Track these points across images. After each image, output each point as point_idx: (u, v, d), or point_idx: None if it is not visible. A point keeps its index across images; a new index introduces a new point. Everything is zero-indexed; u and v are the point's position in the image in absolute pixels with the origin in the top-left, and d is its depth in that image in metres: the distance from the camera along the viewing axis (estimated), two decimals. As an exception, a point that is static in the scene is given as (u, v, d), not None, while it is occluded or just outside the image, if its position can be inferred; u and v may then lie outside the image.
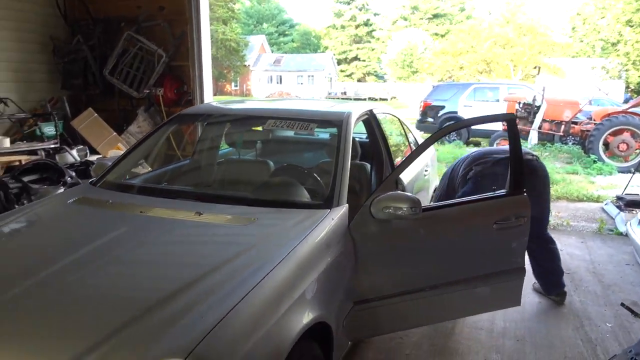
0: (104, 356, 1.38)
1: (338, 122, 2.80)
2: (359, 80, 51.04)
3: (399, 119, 3.99)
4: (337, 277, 2.13)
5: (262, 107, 3.36)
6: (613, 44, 23.30)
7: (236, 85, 43.98)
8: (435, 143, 12.04)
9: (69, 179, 4.34)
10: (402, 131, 4.00)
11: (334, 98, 39.61)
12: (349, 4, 53.71)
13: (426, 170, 3.97)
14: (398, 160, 3.48)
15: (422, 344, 2.96)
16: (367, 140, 3.44)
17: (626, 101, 10.68)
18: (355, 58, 53.26)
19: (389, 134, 4.31)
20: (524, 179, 2.67)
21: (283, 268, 1.81)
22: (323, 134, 3.72)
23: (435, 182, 4.35)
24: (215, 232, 2.10)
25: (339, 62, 52.67)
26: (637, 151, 9.30)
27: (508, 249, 2.62)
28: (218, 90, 41.85)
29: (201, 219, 2.17)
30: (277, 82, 45.98)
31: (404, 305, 2.46)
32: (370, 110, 3.26)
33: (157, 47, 6.07)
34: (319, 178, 2.77)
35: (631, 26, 21.54)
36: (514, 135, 2.72)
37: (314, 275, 1.93)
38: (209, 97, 6.46)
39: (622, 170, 8.67)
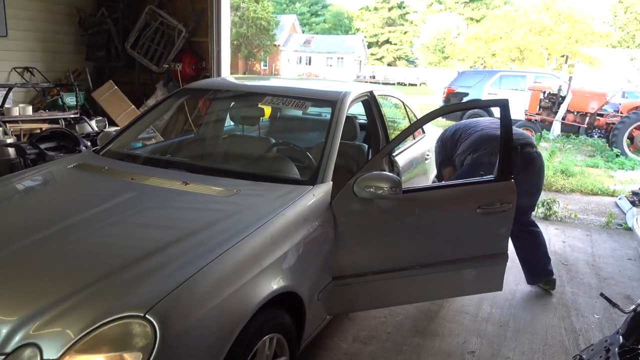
0: (70, 307, 1.50)
1: (333, 102, 2.85)
2: (389, 65, 50.43)
3: (403, 103, 3.99)
4: (313, 251, 2.21)
5: (262, 84, 3.43)
6: (655, 35, 22.35)
7: (265, 65, 44.03)
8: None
9: (84, 148, 4.52)
10: (406, 114, 4.00)
11: (362, 81, 39.34)
12: (383, -15, 52.83)
13: (427, 156, 3.98)
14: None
15: (405, 324, 3.03)
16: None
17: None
18: (387, 41, 52.55)
19: (393, 117, 4.34)
20: (512, 166, 2.68)
21: (255, 237, 1.90)
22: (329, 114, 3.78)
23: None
24: (198, 201, 2.20)
25: (370, 45, 52.07)
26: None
27: (491, 233, 2.65)
28: (247, 69, 42.02)
29: (187, 188, 2.27)
30: (307, 63, 45.83)
31: (382, 284, 2.53)
32: (370, 92, 3.29)
33: (177, 22, 6.20)
34: (311, 156, 2.83)
35: (675, 17, 20.62)
36: (506, 121, 2.71)
37: (287, 247, 2.01)
38: (227, 74, 6.56)
39: (647, 166, 8.44)
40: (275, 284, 1.89)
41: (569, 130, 10.49)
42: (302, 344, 2.26)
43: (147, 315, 1.48)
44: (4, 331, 1.46)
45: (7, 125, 4.99)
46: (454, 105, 2.73)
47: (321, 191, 2.36)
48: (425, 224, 2.56)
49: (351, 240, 2.41)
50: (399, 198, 2.37)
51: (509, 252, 2.69)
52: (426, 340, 2.86)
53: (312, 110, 4.10)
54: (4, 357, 1.44)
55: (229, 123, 3.70)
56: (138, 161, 2.73)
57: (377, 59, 52.02)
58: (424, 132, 4.14)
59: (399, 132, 3.98)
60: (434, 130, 4.58)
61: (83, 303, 1.53)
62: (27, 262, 1.73)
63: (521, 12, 31.98)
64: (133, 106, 6.26)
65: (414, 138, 3.91)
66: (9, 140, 4.64)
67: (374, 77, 43.54)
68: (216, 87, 3.39)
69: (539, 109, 10.45)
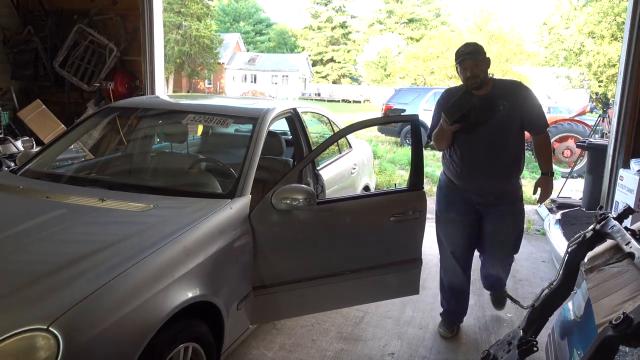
0: (-26, 322, 1.51)
1: (254, 118, 2.96)
2: (334, 82, 51.36)
3: (328, 119, 4.16)
4: (230, 261, 2.28)
5: (186, 102, 3.49)
6: (576, 54, 24.04)
7: (210, 83, 43.75)
8: (391, 144, 12.24)
9: (6, 169, 4.39)
10: (332, 129, 4.17)
11: (307, 99, 39.82)
12: (326, 5, 54.03)
13: (354, 169, 4.15)
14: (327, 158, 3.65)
15: (331, 330, 3.14)
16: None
17: (591, 111, 11.09)
18: (331, 60, 53.57)
19: (321, 132, 4.50)
20: (423, 177, 2.87)
21: (168, 249, 1.96)
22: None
23: (366, 179, 4.53)
24: (114, 217, 2.24)
25: (315, 63, 52.91)
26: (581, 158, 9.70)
27: (406, 240, 2.82)
28: (191, 88, 41.59)
29: (104, 204, 2.30)
30: (252, 81, 45.92)
31: (302, 292, 2.63)
32: (294, 109, 3.43)
33: (108, 41, 6.13)
34: (233, 171, 2.92)
35: (593, 37, 22.29)
36: (417, 135, 2.91)
37: (201, 258, 2.08)
38: (161, 92, 6.54)
39: (566, 176, 9.05)
40: (188, 294, 1.95)
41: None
42: (222, 354, 2.31)
43: (50, 328, 1.51)
44: None
45: None
46: (368, 120, 2.82)
47: (239, 204, 2.44)
48: (342, 232, 2.69)
49: (270, 250, 2.50)
50: (313, 209, 2.49)
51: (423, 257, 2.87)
52: (349, 345, 2.98)
53: (244, 127, 4.21)
54: None
55: (157, 141, 3.73)
56: (57, 180, 2.72)
57: (322, 77, 52.86)
58: (350, 146, 4.32)
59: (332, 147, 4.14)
60: (362, 144, 4.78)
61: (-14, 319, 1.54)
62: None
63: (456, 32, 33.59)
64: (63, 126, 6.11)
65: (340, 152, 4.07)
66: None
67: (319, 94, 44.20)
68: (141, 105, 3.43)
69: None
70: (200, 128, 4.60)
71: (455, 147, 2.94)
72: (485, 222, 3.02)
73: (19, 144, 5.48)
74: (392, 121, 2.99)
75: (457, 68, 2.81)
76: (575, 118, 10.01)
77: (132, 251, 1.89)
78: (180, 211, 2.30)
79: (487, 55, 2.79)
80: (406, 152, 10.92)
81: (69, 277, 1.72)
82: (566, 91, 25.07)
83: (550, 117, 10.86)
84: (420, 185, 2.83)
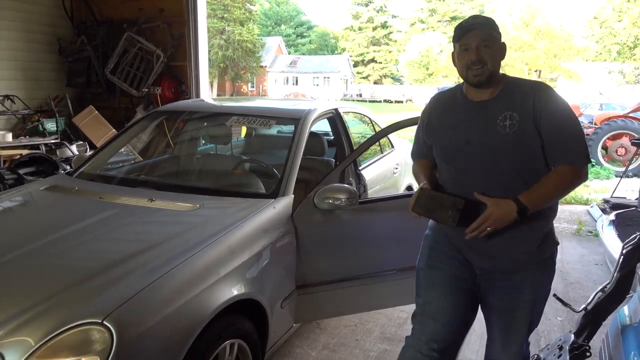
0: (33, 317, 1.60)
1: (296, 119, 2.99)
2: (375, 82, 51.11)
3: (369, 118, 4.15)
4: (274, 260, 2.31)
5: (230, 105, 3.57)
6: (630, 48, 22.98)
7: (252, 86, 44.45)
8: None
9: (62, 171, 4.61)
10: (373, 129, 4.16)
11: (348, 100, 39.78)
12: (367, 5, 53.86)
13: (396, 169, 4.12)
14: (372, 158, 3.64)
15: (374, 331, 3.13)
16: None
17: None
18: (372, 60, 53.34)
19: (363, 133, 4.49)
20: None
21: (213, 248, 2.01)
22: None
23: (409, 179, 4.48)
24: (162, 216, 2.31)
25: (356, 64, 52.81)
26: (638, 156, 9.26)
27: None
28: (235, 91, 42.37)
29: (152, 204, 2.38)
30: (293, 84, 46.33)
31: (345, 292, 2.63)
32: (335, 109, 3.44)
33: (155, 47, 6.35)
34: (276, 172, 2.95)
35: (648, 30, 21.27)
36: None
37: (246, 257, 2.12)
38: (205, 95, 6.71)
39: (620, 175, 8.66)
40: (234, 291, 1.99)
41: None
42: (266, 351, 2.35)
43: (104, 322, 1.57)
44: (-31, 342, 1.55)
45: (-13, 152, 5.08)
46: (411, 119, 2.80)
47: (282, 204, 2.47)
48: (384, 232, 2.68)
49: (313, 249, 2.52)
50: (356, 209, 2.49)
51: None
52: (393, 346, 2.96)
53: (286, 129, 4.26)
54: (-32, 366, 1.52)
55: (202, 143, 3.83)
56: (109, 181, 2.84)
57: (363, 78, 52.71)
58: (392, 146, 4.29)
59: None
60: (404, 144, 4.74)
61: (45, 313, 1.62)
62: (5, 279, 1.83)
63: (501, 29, 32.65)
64: (114, 130, 6.37)
65: (382, 152, 4.05)
66: (-11, 167, 4.72)
67: (360, 95, 44.09)
68: (187, 109, 3.53)
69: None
70: (243, 130, 4.69)
71: (441, 184, 1.94)
72: (488, 295, 1.93)
73: (73, 148, 5.76)
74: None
75: (454, 54, 1.82)
76: (630, 115, 9.55)
77: (180, 249, 1.95)
78: (225, 211, 2.35)
79: (503, 41, 1.79)
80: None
81: (121, 274, 1.79)
82: (619, 87, 23.96)
83: (602, 114, 10.42)
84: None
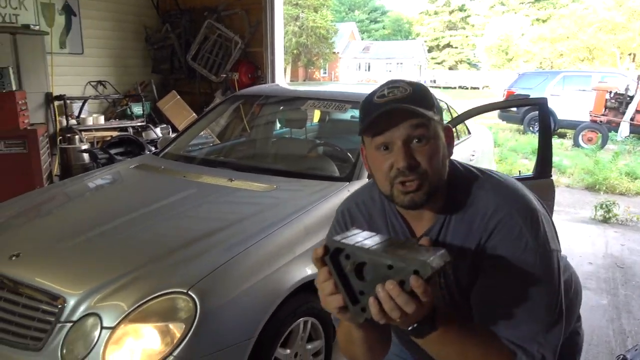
0: (125, 284, 1.73)
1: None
2: (450, 69, 49.54)
3: (446, 103, 4.05)
4: (347, 243, 2.34)
5: (306, 89, 3.60)
6: None
7: (325, 72, 44.57)
8: (513, 132, 11.56)
9: (148, 152, 4.90)
10: (450, 115, 4.04)
11: (422, 86, 38.71)
12: (444, -12, 52.11)
13: (472, 155, 4.00)
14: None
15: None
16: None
17: None
18: (448, 45, 51.67)
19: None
20: (551, 165, 2.68)
21: (289, 228, 2.07)
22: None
23: (486, 166, 4.33)
24: (241, 196, 2.40)
25: (430, 50, 51.40)
26: None
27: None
28: (307, 77, 42.71)
29: (232, 184, 2.48)
30: (366, 70, 45.95)
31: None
32: (411, 94, 3.38)
33: (234, 34, 6.53)
34: (350, 156, 2.97)
35: None
36: (545, 119, 2.73)
37: (320, 238, 2.15)
38: (280, 81, 6.82)
39: None
40: (308, 271, 2.03)
41: (638, 131, 9.93)
42: (338, 332, 2.39)
43: (189, 292, 1.67)
44: (72, 302, 1.70)
45: (82, 133, 5.49)
46: (491, 104, 2.68)
47: (356, 187, 2.48)
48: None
49: (386, 234, 2.51)
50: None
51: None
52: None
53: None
54: (71, 324, 1.68)
55: (279, 126, 3.92)
56: (191, 162, 2.98)
57: (438, 63, 51.24)
58: (469, 132, 4.16)
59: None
60: (482, 131, 4.58)
61: (136, 281, 1.75)
62: (92, 249, 1.99)
63: (590, 10, 30.45)
64: (194, 114, 6.66)
65: (459, 138, 3.94)
66: (84, 147, 5.11)
67: (434, 81, 42.94)
68: (264, 93, 3.61)
69: (605, 110, 9.97)
70: (317, 115, 4.74)
71: None
72: None
73: (157, 130, 6.09)
74: (516, 105, 2.74)
75: (363, 150, 1.12)
76: None
77: (258, 227, 2.02)
78: (301, 192, 2.40)
79: (445, 122, 1.13)
80: (530, 140, 10.22)
81: (204, 249, 1.89)
82: None
83: None
84: (547, 173, 2.66)
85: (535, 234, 1.01)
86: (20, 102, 4.18)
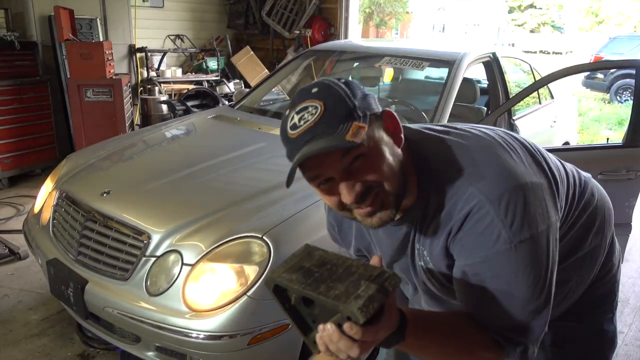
0: (204, 226, 1.83)
1: (450, 62, 2.87)
2: (531, 31, 46.47)
3: (531, 66, 3.82)
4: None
5: (382, 46, 3.52)
6: None
7: (397, 33, 43.25)
8: (598, 101, 10.80)
9: (221, 105, 5.04)
10: (534, 79, 3.83)
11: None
12: (531, -57, 48.34)
13: (554, 122, 3.79)
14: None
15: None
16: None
17: None
18: (531, 6, 48.29)
19: (519, 82, 4.17)
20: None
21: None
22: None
23: (567, 135, 4.10)
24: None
25: (511, 10, 48.29)
26: None
27: (613, 201, 2.51)
28: (378, 37, 41.68)
29: (305, 138, 2.51)
30: (440, 31, 44.10)
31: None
32: (493, 53, 3.22)
33: (308, -11, 6.45)
34: (425, 116, 2.90)
35: None
36: (641, 84, 2.51)
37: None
38: (354, 38, 6.71)
39: None
40: (377, 227, 2.05)
41: None
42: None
43: (264, 237, 1.74)
44: (156, 239, 1.82)
45: (161, 85, 5.72)
46: (578, 65, 2.47)
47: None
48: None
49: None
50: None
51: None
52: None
53: (435, 74, 4.11)
54: (155, 259, 1.81)
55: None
56: (265, 114, 3.04)
57: (518, 25, 48.17)
58: (552, 97, 3.93)
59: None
60: (566, 97, 4.31)
61: (214, 224, 1.84)
62: (173, 192, 2.11)
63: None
64: (267, 70, 6.72)
65: (540, 103, 3.74)
66: (163, 98, 5.34)
67: (513, 44, 40.56)
68: (339, 49, 3.57)
69: None
70: (389, 74, 4.64)
71: None
72: None
73: (231, 85, 6.22)
74: (609, 67, 2.53)
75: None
76: None
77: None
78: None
79: (388, 119, 0.94)
80: (615, 110, 9.52)
81: (277, 198, 1.94)
82: None
83: None
84: (639, 142, 2.47)
85: (510, 221, 0.89)
86: (107, 53, 4.39)
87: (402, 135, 0.94)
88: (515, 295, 0.91)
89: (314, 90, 0.88)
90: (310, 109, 0.86)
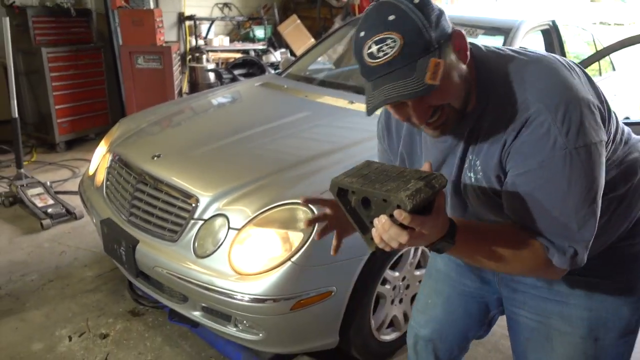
0: (250, 192, 1.86)
1: (506, 30, 2.74)
2: (592, 1, 43.78)
3: (593, 36, 3.61)
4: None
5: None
6: None
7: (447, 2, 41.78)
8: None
9: (268, 74, 5.04)
10: (595, 49, 3.61)
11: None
12: None
13: (614, 96, 3.58)
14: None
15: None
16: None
17: None
18: (594, -27, 45.40)
19: (579, 54, 3.95)
20: None
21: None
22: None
23: (629, 109, 3.87)
24: (359, 119, 2.38)
25: (572, -22, 45.55)
26: None
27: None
28: (427, 7, 40.36)
29: (352, 106, 2.48)
30: None
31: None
32: (553, 22, 3.06)
33: (358, -45, 6.28)
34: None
35: None
36: None
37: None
38: (402, 8, 6.52)
39: None
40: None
41: None
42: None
43: (310, 204, 1.73)
44: (204, 203, 1.86)
45: (209, 53, 5.76)
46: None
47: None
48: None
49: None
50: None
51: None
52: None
53: (491, 43, 3.94)
54: (203, 222, 1.85)
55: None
56: (312, 83, 3.01)
57: (579, -5, 45.47)
58: (614, 68, 3.71)
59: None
60: (630, 68, 4.06)
61: (259, 190, 1.86)
62: (221, 157, 2.14)
63: None
64: (313, 39, 6.65)
65: (600, 75, 3.54)
66: (210, 67, 5.39)
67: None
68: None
69: None
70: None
71: None
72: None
73: (277, 54, 6.20)
74: None
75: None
76: None
77: (373, 151, 2.01)
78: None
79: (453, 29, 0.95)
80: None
81: (321, 167, 1.94)
82: None
83: None
84: None
85: (566, 129, 0.92)
86: (157, 20, 4.45)
87: (468, 53, 0.97)
88: (567, 200, 0.95)
89: (391, 18, 0.89)
90: (389, 41, 0.88)
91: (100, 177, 2.38)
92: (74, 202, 3.25)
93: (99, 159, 2.49)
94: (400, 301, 2.16)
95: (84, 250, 2.90)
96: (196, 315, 1.92)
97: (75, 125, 4.67)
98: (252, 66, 5.29)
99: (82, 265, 2.76)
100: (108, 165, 2.34)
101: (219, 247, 1.79)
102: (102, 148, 2.55)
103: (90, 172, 2.51)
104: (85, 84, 4.68)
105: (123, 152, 2.30)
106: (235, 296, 1.71)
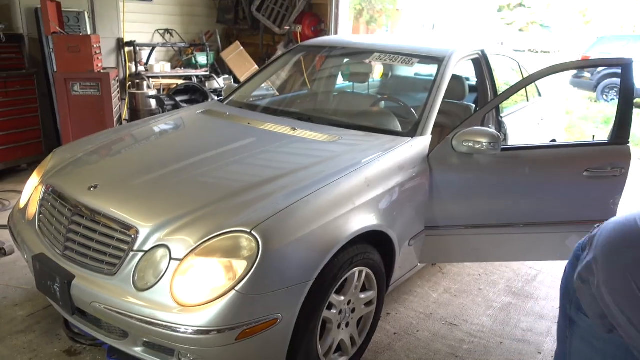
0: (192, 220, 1.81)
1: (439, 59, 2.88)
2: (520, 30, 46.76)
3: (519, 64, 3.85)
4: (406, 198, 2.33)
5: (370, 42, 3.52)
6: None
7: (387, 30, 43.34)
8: (590, 101, 10.91)
9: (211, 100, 5.01)
10: (522, 76, 3.85)
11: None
12: (520, -58, 48.60)
13: (541, 119, 3.82)
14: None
15: (499, 283, 3.05)
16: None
17: None
18: (520, 5, 48.61)
19: (508, 81, 4.20)
20: (629, 130, 2.53)
21: (351, 178, 2.08)
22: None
23: (554, 133, 4.14)
24: (303, 145, 2.43)
25: (500, 9, 48.57)
26: None
27: (598, 198, 2.55)
28: (369, 34, 41.67)
29: (295, 133, 2.51)
30: (430, 28, 44.23)
31: (474, 239, 2.58)
32: (482, 51, 3.24)
33: (299, -15, 6.42)
34: (414, 111, 2.91)
35: None
36: (628, 82, 2.55)
37: (380, 191, 2.16)
38: (345, 35, 6.70)
39: None
40: (366, 222, 2.06)
41: None
42: (390, 285, 2.42)
43: (252, 232, 1.73)
44: (144, 234, 1.81)
45: (150, 80, 5.67)
46: (566, 63, 2.50)
47: (419, 143, 2.45)
48: (525, 183, 2.54)
49: (446, 192, 2.48)
50: (497, 155, 2.38)
51: None
52: (518, 300, 2.87)
53: (424, 72, 4.14)
54: (143, 253, 1.80)
55: (341, 80, 3.87)
56: (255, 109, 3.03)
57: (507, 24, 48.46)
58: (540, 94, 3.97)
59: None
60: (553, 95, 4.35)
61: (202, 218, 1.83)
62: (162, 186, 2.09)
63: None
64: (256, 66, 6.70)
65: (528, 101, 3.77)
66: (151, 93, 5.30)
67: (502, 43, 40.80)
68: (329, 44, 3.56)
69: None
70: (379, 71, 4.65)
71: None
72: None
73: (220, 80, 6.19)
74: (597, 65, 2.55)
75: None
76: None
77: (321, 176, 2.05)
78: (363, 144, 2.40)
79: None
80: (602, 109, 9.64)
81: (267, 193, 1.94)
82: None
83: None
84: (624, 139, 2.51)
85: None
86: (95, 46, 4.34)
87: None
88: None
89: None
90: None
91: (32, 210, 2.26)
92: (4, 236, 3.07)
93: (31, 190, 2.38)
94: (347, 325, 2.18)
95: (15, 288, 2.73)
96: (137, 351, 1.85)
97: (5, 154, 4.43)
98: (194, 92, 5.25)
99: (13, 304, 2.60)
100: (41, 198, 2.24)
101: (160, 278, 1.74)
102: (34, 179, 2.43)
103: (22, 204, 2.39)
104: (16, 111, 4.48)
105: (57, 184, 2.21)
106: (178, 329, 1.66)
